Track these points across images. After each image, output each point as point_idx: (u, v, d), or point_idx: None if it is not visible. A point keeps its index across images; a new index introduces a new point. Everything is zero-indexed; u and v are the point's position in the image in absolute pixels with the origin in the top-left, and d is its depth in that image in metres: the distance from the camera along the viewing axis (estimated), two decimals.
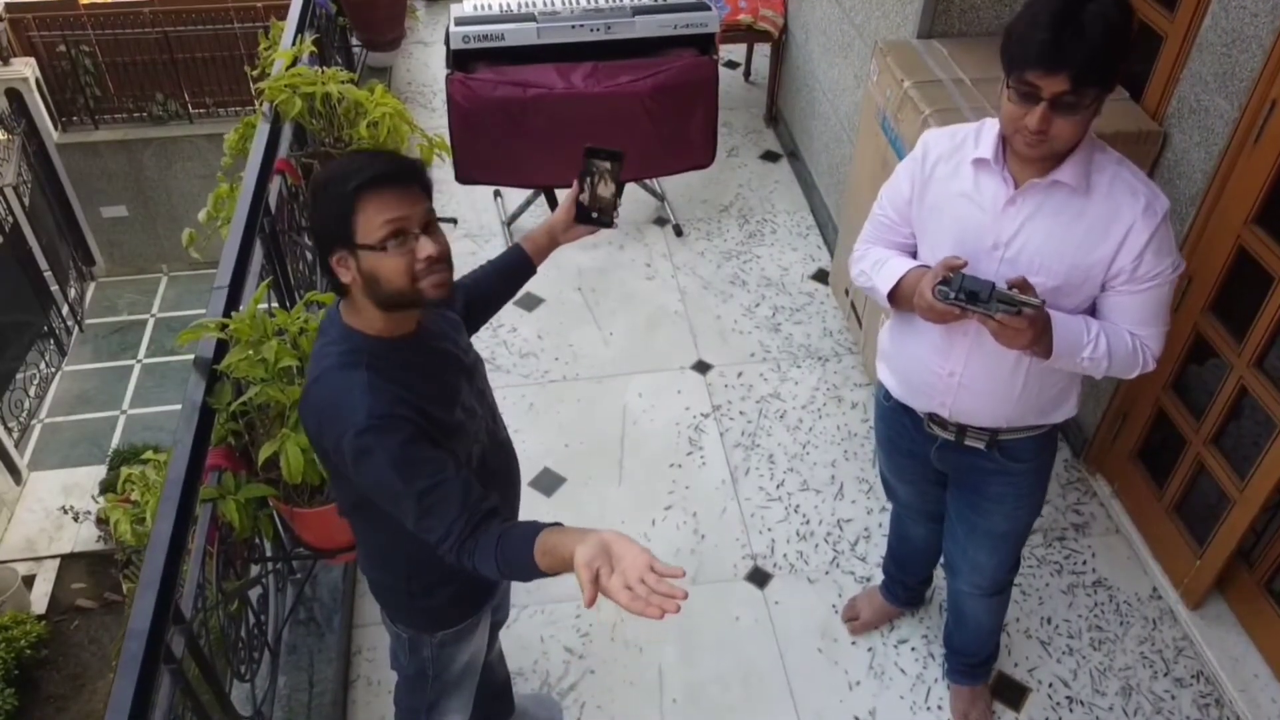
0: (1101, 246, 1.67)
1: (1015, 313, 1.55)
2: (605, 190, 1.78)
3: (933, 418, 1.99)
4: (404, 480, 1.43)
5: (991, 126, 1.73)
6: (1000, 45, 1.63)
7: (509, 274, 1.91)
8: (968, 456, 2.01)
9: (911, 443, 2.11)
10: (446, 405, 1.57)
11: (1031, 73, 1.54)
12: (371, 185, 1.42)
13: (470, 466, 1.60)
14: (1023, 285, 1.60)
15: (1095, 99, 1.56)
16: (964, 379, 1.86)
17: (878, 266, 1.87)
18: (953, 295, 1.58)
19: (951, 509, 2.21)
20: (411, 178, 1.47)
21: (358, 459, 1.44)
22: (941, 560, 2.38)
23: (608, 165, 1.75)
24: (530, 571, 1.36)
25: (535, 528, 1.37)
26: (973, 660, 2.47)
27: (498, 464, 1.77)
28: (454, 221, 1.63)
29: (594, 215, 1.80)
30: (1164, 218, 1.66)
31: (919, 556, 2.53)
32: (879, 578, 2.73)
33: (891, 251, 1.89)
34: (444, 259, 1.48)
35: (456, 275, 1.58)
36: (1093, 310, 1.77)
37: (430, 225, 1.48)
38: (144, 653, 1.62)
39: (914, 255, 1.89)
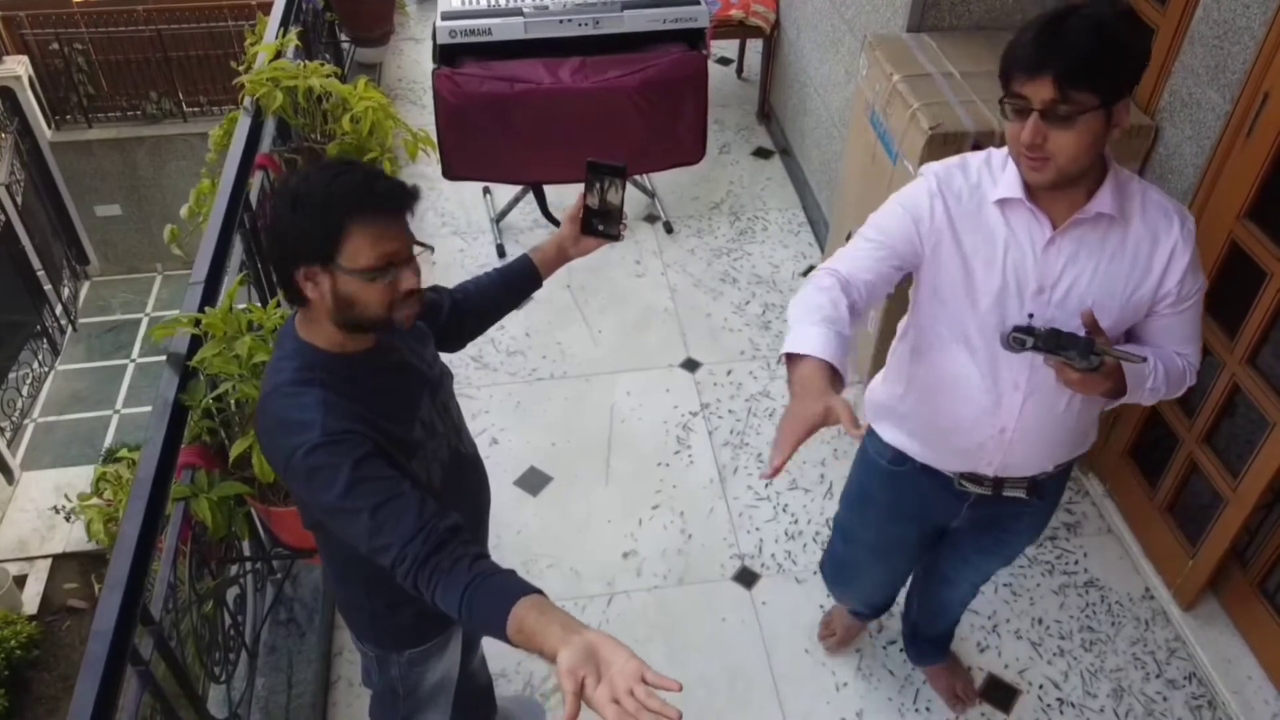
0: (1150, 275, 1.58)
1: (1100, 363, 1.46)
2: (614, 198, 1.73)
3: (967, 476, 1.84)
4: (356, 498, 1.36)
5: (1001, 158, 1.61)
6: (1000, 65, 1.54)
7: (515, 283, 1.86)
8: (1003, 507, 1.88)
9: (925, 507, 1.96)
10: (404, 422, 1.52)
11: (1017, 81, 1.44)
12: (371, 210, 1.37)
13: (431, 486, 1.55)
14: (1094, 326, 1.51)
15: (1095, 110, 1.41)
16: (1016, 434, 1.72)
17: (807, 312, 1.51)
18: (1029, 343, 1.47)
19: (954, 556, 2.13)
20: (406, 205, 1.42)
21: (309, 477, 1.38)
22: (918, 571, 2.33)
23: (614, 178, 1.72)
24: (499, 637, 1.24)
25: (511, 591, 1.25)
26: (944, 638, 2.47)
27: (461, 481, 1.71)
28: (431, 249, 1.56)
29: (600, 228, 1.75)
30: (1194, 233, 1.60)
31: (879, 593, 2.45)
32: None
33: (832, 312, 1.51)
34: (421, 290, 1.45)
35: (445, 276, 1.54)
36: (1129, 334, 1.68)
37: (412, 255, 1.44)
38: (108, 654, 1.59)
39: (899, 280, 1.67)
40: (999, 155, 1.61)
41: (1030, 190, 1.55)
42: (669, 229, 4.03)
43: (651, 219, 4.10)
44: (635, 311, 3.67)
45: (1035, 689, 2.54)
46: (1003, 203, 1.58)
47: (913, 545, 2.12)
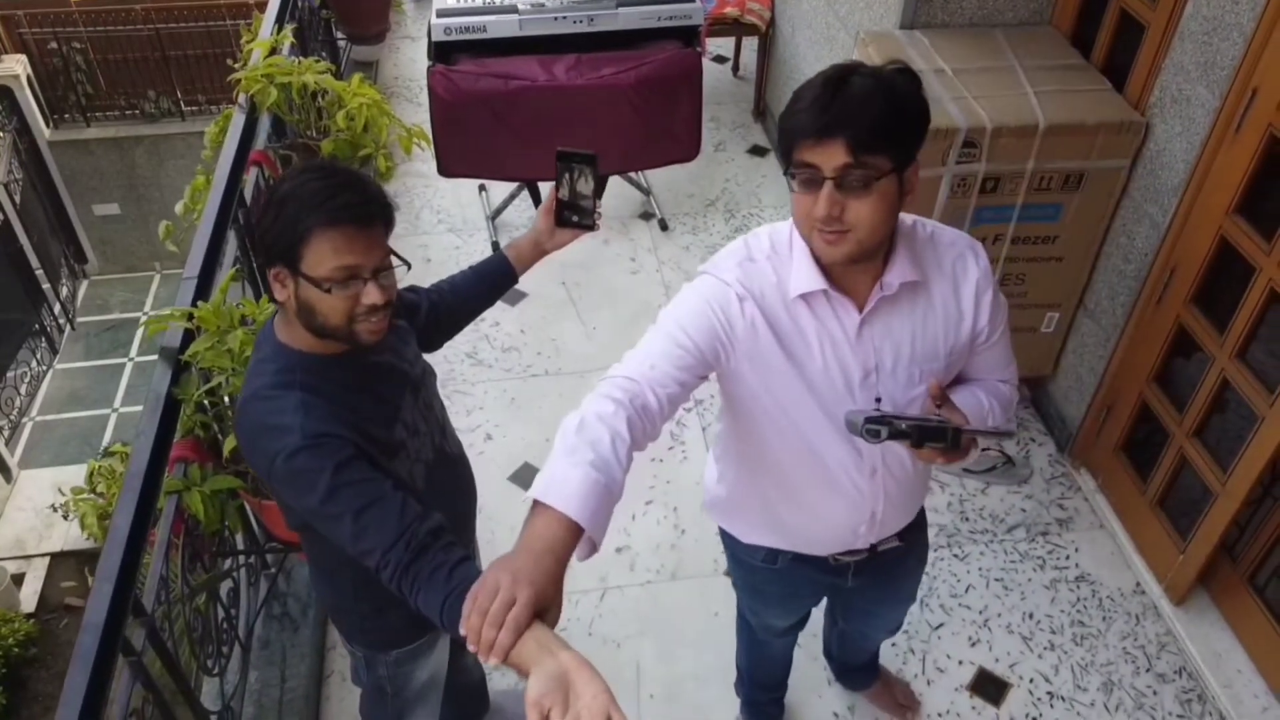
0: (964, 322, 1.50)
1: (954, 437, 1.37)
2: (585, 187, 1.72)
3: (843, 553, 1.78)
4: (337, 503, 1.35)
5: (785, 243, 1.46)
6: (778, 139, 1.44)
7: (489, 282, 1.86)
8: (884, 560, 1.82)
9: (814, 586, 1.92)
10: (386, 423, 1.51)
11: (805, 148, 1.30)
12: (332, 220, 1.35)
13: (413, 486, 1.55)
14: (941, 396, 1.44)
15: (890, 174, 1.31)
16: (885, 511, 1.67)
17: (579, 451, 1.21)
18: (883, 433, 1.35)
19: (858, 608, 2.11)
20: (377, 217, 1.40)
21: (291, 481, 1.38)
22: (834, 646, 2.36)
23: (584, 166, 1.70)
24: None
25: None
26: (871, 663, 2.47)
27: (445, 481, 1.70)
28: (408, 265, 1.54)
29: (574, 219, 1.75)
30: (988, 263, 1.52)
31: (784, 671, 2.42)
32: None
33: (613, 459, 1.23)
34: (387, 306, 1.43)
35: (440, 273, 1.61)
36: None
37: (381, 270, 1.41)
38: (99, 646, 1.60)
39: (695, 390, 1.46)
40: (783, 241, 1.47)
41: (828, 274, 1.42)
42: (664, 226, 4.04)
43: (646, 216, 4.11)
44: (630, 308, 3.68)
45: (1026, 683, 2.55)
46: (806, 298, 1.44)
47: (802, 611, 2.10)
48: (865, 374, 1.48)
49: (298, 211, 1.35)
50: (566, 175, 1.68)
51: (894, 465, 1.58)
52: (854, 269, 1.42)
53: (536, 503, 1.16)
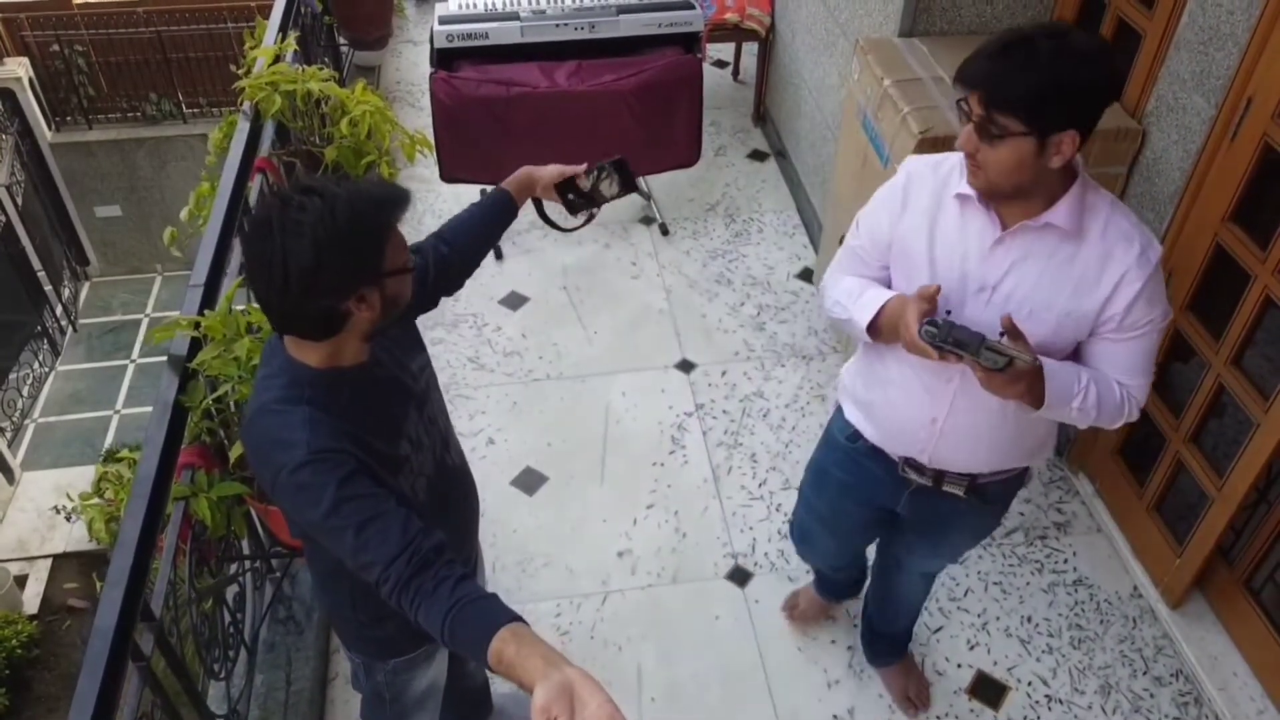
0: (1094, 293, 1.59)
1: (1006, 363, 1.48)
2: (609, 190, 1.80)
3: (909, 462, 1.89)
4: (341, 517, 1.36)
5: None
6: None
7: (492, 215, 1.85)
8: (942, 500, 1.91)
9: (875, 489, 2.01)
10: (391, 438, 1.53)
11: (956, 82, 1.52)
12: (390, 207, 1.38)
13: (415, 500, 1.56)
14: (1012, 330, 1.52)
15: (1022, 135, 1.46)
16: (946, 426, 1.77)
17: (852, 296, 1.73)
18: (941, 342, 1.49)
19: (909, 537, 2.14)
20: (402, 191, 1.45)
21: (295, 495, 1.39)
22: (875, 556, 2.38)
23: (619, 178, 1.79)
24: (480, 661, 1.25)
25: (495, 617, 1.25)
26: (900, 638, 2.51)
27: (448, 494, 1.72)
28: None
29: (569, 196, 1.81)
30: (1157, 265, 1.59)
31: (834, 559, 2.48)
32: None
33: (867, 281, 1.75)
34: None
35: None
36: (1076, 354, 1.70)
37: None
38: (110, 650, 1.62)
39: (889, 287, 1.77)
40: None
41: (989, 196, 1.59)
42: (664, 231, 4.06)
43: (647, 220, 4.14)
44: (631, 312, 3.70)
45: (1024, 686, 2.57)
46: (961, 198, 1.62)
47: (860, 525, 2.17)
48: (982, 287, 1.63)
49: (377, 221, 1.36)
50: (598, 173, 1.79)
51: (972, 385, 1.62)
52: (1013, 202, 1.58)
53: (872, 326, 1.69)
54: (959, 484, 1.86)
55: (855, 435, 1.97)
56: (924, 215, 1.67)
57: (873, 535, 2.23)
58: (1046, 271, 1.60)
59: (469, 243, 1.81)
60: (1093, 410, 1.63)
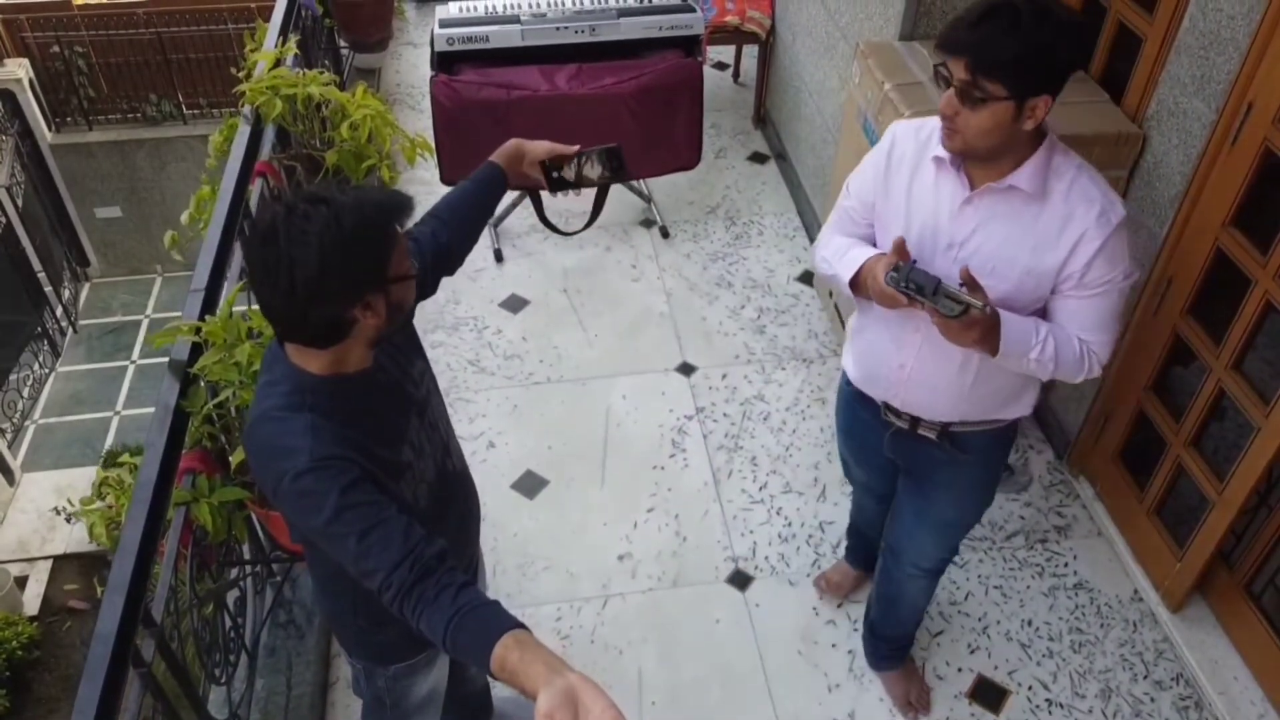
0: (1054, 252, 1.68)
1: (962, 311, 1.56)
2: (591, 171, 1.83)
3: (888, 406, 2.03)
4: (342, 524, 1.36)
5: None
6: None
7: (484, 189, 1.85)
8: (920, 446, 2.04)
9: (866, 429, 2.15)
10: (393, 445, 1.53)
11: (939, 49, 1.58)
12: (392, 214, 1.38)
13: (416, 507, 1.56)
14: (971, 282, 1.60)
15: (1004, 100, 1.54)
16: (914, 372, 1.90)
17: (839, 254, 1.88)
18: (902, 285, 1.60)
19: (901, 494, 2.24)
20: (404, 197, 1.45)
21: (297, 501, 1.39)
22: (881, 545, 2.40)
23: (609, 165, 1.82)
24: (482, 668, 1.26)
25: (497, 624, 1.26)
26: (901, 642, 2.53)
27: (448, 499, 1.72)
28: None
29: (554, 175, 1.84)
30: (1118, 226, 1.67)
31: (876, 528, 2.57)
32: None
33: (854, 240, 1.89)
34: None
35: (447, 281, 1.69)
36: (1044, 312, 1.78)
37: None
38: (111, 656, 1.62)
39: (875, 245, 1.89)
40: None
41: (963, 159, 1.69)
42: (665, 233, 4.06)
43: (647, 223, 4.14)
44: (631, 315, 3.70)
45: (1025, 690, 2.57)
46: (937, 160, 1.73)
47: (873, 458, 2.23)
48: (950, 244, 1.74)
49: (374, 232, 1.36)
50: (580, 158, 1.82)
51: (937, 337, 1.70)
52: (984, 164, 1.68)
53: (854, 281, 1.83)
54: (932, 429, 1.99)
55: (848, 379, 2.13)
56: (905, 175, 1.79)
57: (892, 471, 2.27)
58: (1010, 231, 1.70)
59: (464, 221, 1.82)
60: (1050, 362, 1.72)
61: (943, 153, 1.70)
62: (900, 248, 1.65)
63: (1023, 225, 1.69)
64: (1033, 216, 1.69)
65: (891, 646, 2.53)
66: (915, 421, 2.00)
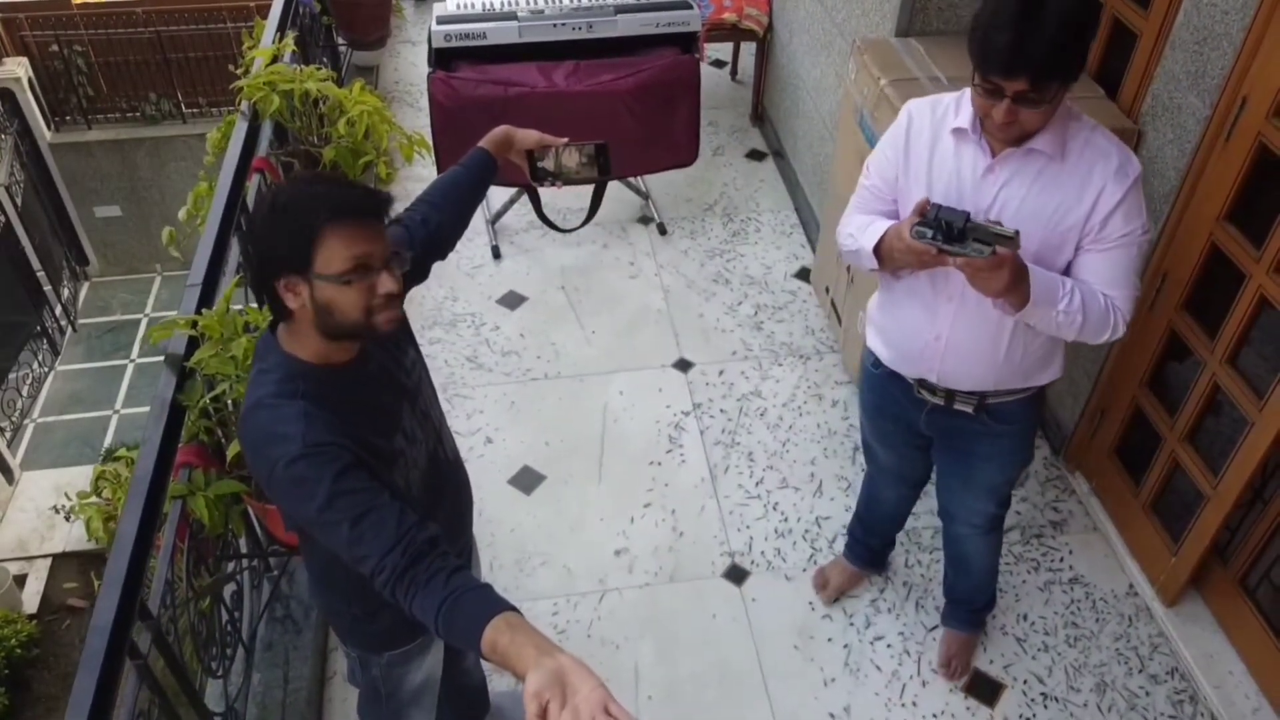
0: (1076, 209, 1.74)
1: (990, 250, 1.59)
2: (570, 161, 1.87)
3: (922, 383, 2.05)
4: (336, 510, 1.37)
5: (967, 98, 1.79)
6: (968, 37, 1.66)
7: (477, 174, 1.86)
8: (957, 420, 2.07)
9: (899, 409, 2.17)
10: (386, 433, 1.54)
11: (994, 75, 1.62)
12: (340, 217, 1.37)
13: (409, 493, 1.57)
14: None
15: (1059, 90, 1.63)
16: (950, 342, 1.92)
17: (861, 228, 1.91)
18: (929, 234, 1.62)
19: (941, 466, 2.28)
20: (379, 212, 1.44)
21: (291, 488, 1.40)
22: (937, 509, 2.43)
23: (595, 161, 1.86)
24: (474, 650, 1.28)
25: (485, 609, 1.27)
26: (976, 605, 2.57)
27: (441, 486, 1.73)
28: (410, 253, 1.61)
29: (538, 164, 1.88)
30: (1135, 180, 1.73)
31: (886, 521, 2.62)
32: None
33: (875, 216, 1.93)
34: (401, 296, 1.47)
35: (442, 274, 1.58)
36: (1066, 274, 1.82)
37: (390, 259, 1.45)
38: (107, 649, 1.63)
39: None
40: (967, 97, 1.80)
41: (983, 124, 1.75)
42: (662, 230, 4.07)
43: (645, 220, 4.14)
44: (629, 312, 3.71)
45: (1020, 684, 2.58)
46: (957, 132, 1.80)
47: (902, 440, 2.28)
48: (977, 211, 1.76)
49: (305, 215, 1.37)
50: (561, 149, 1.86)
51: (971, 303, 1.81)
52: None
53: (878, 252, 1.86)
54: (969, 401, 2.02)
55: (876, 361, 2.15)
56: (924, 149, 1.85)
57: (920, 454, 2.31)
58: (1032, 192, 1.76)
59: (455, 204, 1.83)
60: (1078, 315, 1.75)
61: (963, 123, 1.77)
62: (923, 209, 1.68)
63: (1044, 186, 1.75)
64: (1053, 176, 1.75)
65: (969, 609, 2.58)
66: (951, 396, 2.02)
